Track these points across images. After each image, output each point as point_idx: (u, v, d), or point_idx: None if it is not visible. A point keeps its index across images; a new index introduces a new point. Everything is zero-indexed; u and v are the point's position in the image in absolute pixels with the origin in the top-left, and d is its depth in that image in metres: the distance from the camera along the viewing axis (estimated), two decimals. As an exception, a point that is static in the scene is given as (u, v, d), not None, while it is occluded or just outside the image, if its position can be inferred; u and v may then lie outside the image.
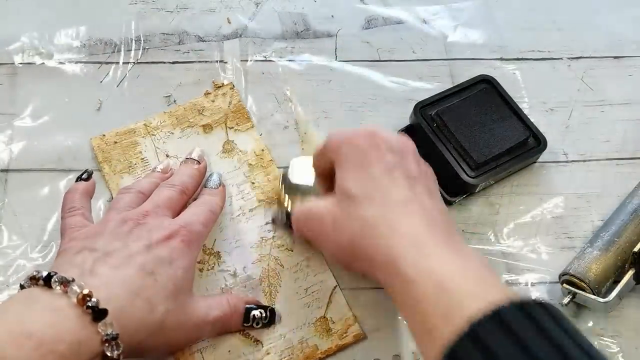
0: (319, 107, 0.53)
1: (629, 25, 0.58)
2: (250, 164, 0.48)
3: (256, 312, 0.41)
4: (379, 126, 0.39)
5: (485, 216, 0.49)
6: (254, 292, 0.44)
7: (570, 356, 0.27)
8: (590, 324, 0.45)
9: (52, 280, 0.32)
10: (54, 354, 0.29)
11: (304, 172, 0.46)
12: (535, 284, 0.46)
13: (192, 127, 0.50)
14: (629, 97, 0.55)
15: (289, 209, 0.44)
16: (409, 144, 0.39)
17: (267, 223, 0.46)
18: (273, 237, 0.46)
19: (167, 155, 0.48)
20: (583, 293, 0.43)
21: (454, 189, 0.48)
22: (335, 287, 0.44)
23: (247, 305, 0.41)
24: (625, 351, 0.44)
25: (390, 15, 0.58)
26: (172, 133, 0.49)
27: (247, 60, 0.54)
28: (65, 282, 0.32)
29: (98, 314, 0.31)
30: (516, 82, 0.55)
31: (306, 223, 0.40)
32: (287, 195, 0.45)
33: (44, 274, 0.33)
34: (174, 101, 0.52)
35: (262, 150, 0.49)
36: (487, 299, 0.28)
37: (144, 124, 0.49)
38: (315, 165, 0.42)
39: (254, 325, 0.41)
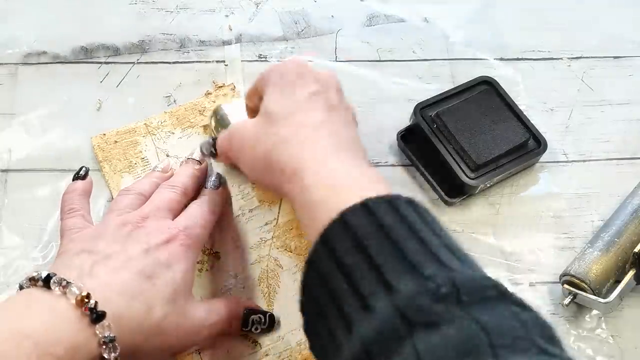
0: (319, 107, 0.52)
1: (629, 25, 0.58)
2: None
3: (255, 317, 0.41)
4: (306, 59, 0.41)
5: (485, 216, 0.49)
6: (252, 293, 0.44)
7: (425, 241, 0.29)
8: (591, 324, 0.45)
9: (52, 281, 0.32)
10: (52, 356, 0.29)
11: (236, 114, 0.47)
12: (536, 284, 0.46)
13: (193, 127, 0.50)
14: (629, 97, 0.55)
15: (215, 137, 0.44)
16: (333, 78, 0.41)
17: (266, 224, 0.46)
18: (272, 238, 0.46)
19: (168, 155, 0.48)
20: (584, 294, 0.43)
21: (453, 190, 0.48)
22: None
23: (246, 310, 0.41)
24: (625, 351, 0.44)
25: (391, 14, 0.58)
26: (173, 133, 0.49)
27: (247, 60, 0.54)
28: (64, 284, 0.32)
29: (96, 316, 0.31)
30: (516, 82, 0.55)
31: (229, 141, 0.41)
32: (216, 129, 0.47)
33: (43, 274, 0.33)
34: (174, 101, 0.52)
35: None
36: (365, 196, 0.31)
37: (145, 124, 0.49)
38: (247, 102, 0.44)
39: (253, 330, 0.41)
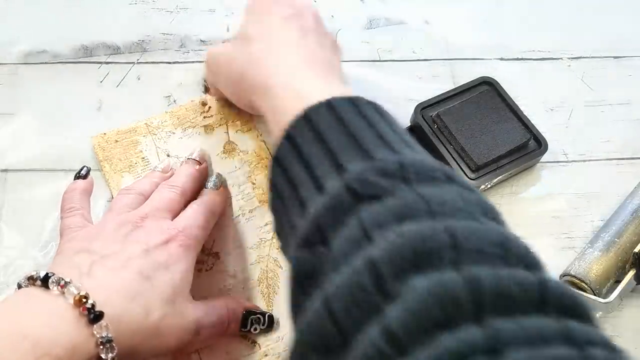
0: (319, 107, 0.52)
1: (629, 25, 0.58)
2: (251, 164, 0.48)
3: (254, 318, 0.41)
4: None
5: (486, 216, 0.49)
6: (252, 293, 0.44)
7: (381, 133, 0.30)
8: (591, 324, 0.45)
9: (50, 280, 0.32)
10: (50, 356, 0.29)
11: None
12: (536, 284, 0.46)
13: (194, 127, 0.50)
14: (629, 97, 0.55)
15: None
16: (309, 4, 0.43)
17: (266, 224, 0.46)
18: (272, 238, 0.46)
19: (168, 155, 0.48)
20: (584, 294, 0.43)
21: (454, 189, 0.48)
22: None
23: (245, 311, 0.41)
24: (625, 351, 0.44)
25: (392, 16, 0.58)
26: (174, 133, 0.49)
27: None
28: (63, 283, 0.32)
29: (94, 316, 0.31)
30: (516, 82, 0.55)
31: (210, 64, 0.45)
32: None
33: (42, 274, 0.33)
34: (174, 101, 0.52)
35: (263, 150, 0.49)
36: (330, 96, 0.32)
37: (145, 124, 0.49)
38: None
39: (252, 330, 0.41)
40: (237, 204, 0.47)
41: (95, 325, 0.31)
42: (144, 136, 0.49)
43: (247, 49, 0.39)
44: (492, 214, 0.26)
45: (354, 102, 0.32)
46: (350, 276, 0.23)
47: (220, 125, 0.50)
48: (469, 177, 0.47)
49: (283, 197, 0.32)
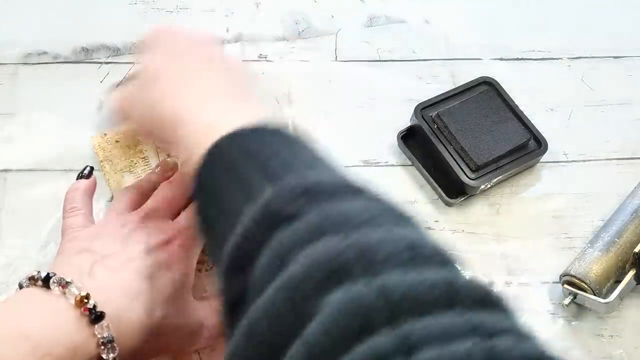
0: (319, 107, 0.52)
1: (629, 25, 0.58)
2: None
3: None
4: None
5: (486, 216, 0.49)
6: None
7: (285, 159, 0.31)
8: (591, 324, 0.45)
9: (51, 280, 0.32)
10: (51, 356, 0.29)
11: None
12: (536, 284, 0.46)
13: None
14: (629, 97, 0.55)
15: None
16: (206, 35, 0.42)
17: None
18: None
19: (169, 155, 0.48)
20: (584, 294, 0.43)
21: (454, 191, 0.48)
22: None
23: None
24: (625, 351, 0.44)
25: (392, 15, 0.58)
26: None
27: (247, 60, 0.54)
28: (64, 283, 0.32)
29: (95, 316, 0.31)
30: (516, 82, 0.55)
31: (118, 111, 0.41)
32: None
33: (43, 274, 0.33)
34: (174, 101, 0.52)
35: None
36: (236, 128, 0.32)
37: None
38: None
39: None
40: None
41: (96, 326, 0.31)
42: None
43: (154, 87, 0.38)
44: (403, 220, 0.27)
45: (259, 131, 0.32)
46: (267, 304, 0.24)
47: None
48: (469, 177, 0.47)
49: (203, 228, 0.32)
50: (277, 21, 0.57)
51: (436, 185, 0.49)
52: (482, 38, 0.57)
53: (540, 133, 0.49)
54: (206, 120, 0.34)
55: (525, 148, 0.49)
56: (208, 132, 0.33)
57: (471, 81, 0.51)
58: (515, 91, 0.54)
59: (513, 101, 0.50)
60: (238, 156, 0.31)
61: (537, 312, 0.45)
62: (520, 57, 0.56)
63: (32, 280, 0.33)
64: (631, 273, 0.44)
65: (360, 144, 0.51)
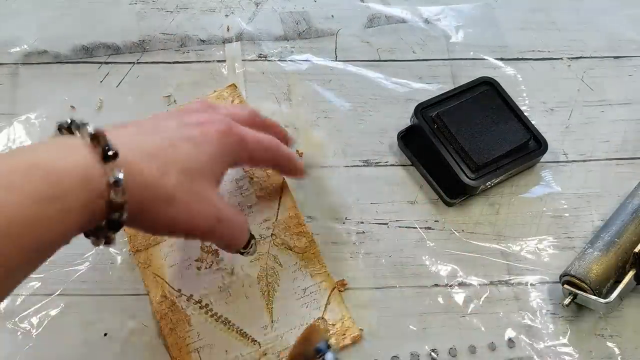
0: (319, 107, 0.52)
1: (629, 25, 0.58)
2: None
3: (253, 241, 0.40)
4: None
5: (486, 216, 0.49)
6: (251, 291, 0.44)
7: None
8: (591, 324, 0.45)
9: (73, 125, 0.31)
10: (60, 187, 0.28)
11: None
12: (536, 284, 0.46)
13: None
14: (629, 97, 0.55)
15: None
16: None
17: (265, 220, 0.46)
18: (272, 235, 0.46)
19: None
20: (584, 294, 0.43)
21: (454, 191, 0.48)
22: (334, 289, 0.44)
23: (251, 233, 0.40)
24: (625, 351, 0.44)
25: (392, 15, 0.58)
26: None
27: (247, 60, 0.54)
28: (81, 125, 0.31)
29: (107, 155, 0.30)
30: (516, 82, 0.55)
31: None
32: None
33: (69, 120, 0.32)
34: (174, 101, 0.52)
35: None
36: None
37: None
38: None
39: (245, 253, 0.40)
40: (235, 199, 0.47)
41: (108, 164, 0.30)
42: None
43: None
44: None
45: None
46: None
47: None
48: (469, 177, 0.47)
49: None
50: (277, 21, 0.57)
51: (436, 186, 0.48)
52: (483, 38, 0.57)
53: (540, 133, 0.49)
54: None
55: (526, 148, 0.49)
56: None
57: (471, 81, 0.51)
58: (515, 91, 0.54)
59: (513, 101, 0.50)
60: None
61: (537, 312, 0.45)
62: (520, 57, 0.56)
63: (60, 129, 0.32)
64: (631, 273, 0.44)
65: (360, 144, 0.51)
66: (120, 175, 0.30)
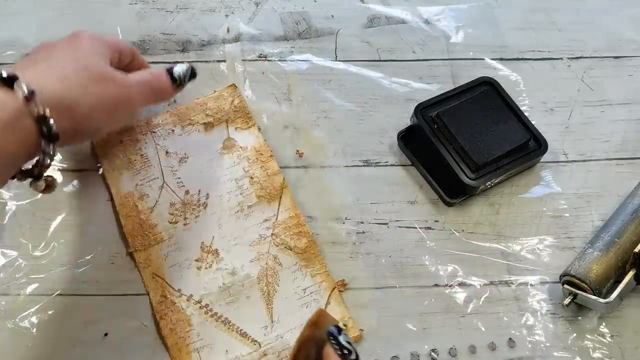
0: (319, 107, 0.52)
1: (629, 25, 0.58)
2: (250, 159, 0.48)
3: (178, 69, 0.44)
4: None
5: (486, 216, 0.49)
6: (251, 292, 0.44)
7: None
8: (591, 324, 0.45)
9: None
10: None
11: None
12: (536, 284, 0.46)
13: (193, 124, 0.50)
14: (629, 97, 0.55)
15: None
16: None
17: (265, 220, 0.46)
18: (272, 235, 0.46)
19: (167, 152, 0.48)
20: (584, 294, 0.43)
21: (454, 190, 0.48)
22: (334, 289, 0.44)
23: (168, 67, 0.44)
24: (625, 351, 0.44)
25: (392, 15, 0.58)
26: (173, 130, 0.49)
27: (247, 60, 0.54)
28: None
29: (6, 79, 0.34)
30: (516, 82, 0.55)
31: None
32: None
33: None
34: (174, 101, 0.52)
35: (262, 145, 0.49)
36: None
37: (146, 122, 0.49)
38: None
39: (183, 81, 0.45)
40: (236, 199, 0.47)
41: (16, 84, 0.34)
42: (143, 134, 0.49)
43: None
44: None
45: None
46: None
47: (219, 123, 0.50)
48: (469, 177, 0.47)
49: None
50: (277, 21, 0.57)
51: (436, 186, 0.48)
52: (483, 38, 0.57)
53: (540, 133, 0.49)
54: None
55: (526, 148, 0.49)
56: None
57: (471, 81, 0.51)
58: (515, 91, 0.54)
59: (513, 101, 0.50)
60: None
61: (537, 312, 0.45)
62: (520, 57, 0.56)
63: None
64: (631, 273, 0.44)
65: (360, 143, 0.51)
66: (27, 89, 0.34)
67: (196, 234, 0.46)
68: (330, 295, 0.44)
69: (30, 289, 0.44)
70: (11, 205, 0.47)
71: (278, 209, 0.47)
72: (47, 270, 0.45)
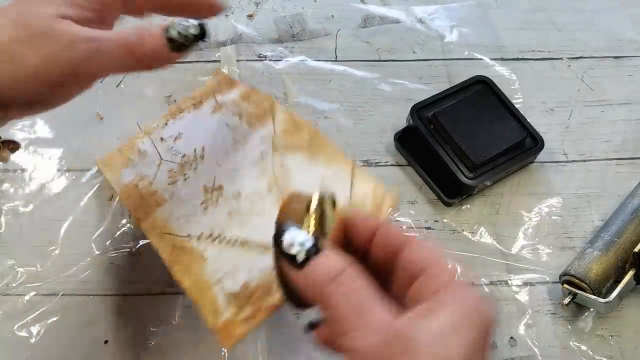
0: (318, 107, 0.52)
1: (629, 25, 0.58)
2: (237, 103, 0.47)
3: (177, 27, 0.34)
4: None
5: (485, 216, 0.49)
6: (262, 204, 0.42)
7: None
8: (591, 324, 0.45)
9: None
10: None
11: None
12: (536, 284, 0.46)
13: (183, 110, 0.49)
14: (629, 97, 0.55)
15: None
16: None
17: (263, 137, 0.44)
18: (273, 145, 0.44)
19: (162, 139, 0.47)
20: (583, 293, 0.43)
21: (452, 190, 0.48)
22: (353, 168, 0.42)
23: (166, 24, 0.34)
24: (625, 351, 0.44)
25: (387, 15, 0.58)
26: (166, 124, 0.48)
27: (247, 60, 0.54)
28: None
29: None
30: (516, 82, 0.55)
31: None
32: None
33: None
34: (174, 101, 0.52)
35: (247, 90, 0.47)
36: None
37: (144, 130, 0.49)
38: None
39: (185, 43, 0.34)
40: (230, 137, 0.45)
41: None
42: (142, 140, 0.48)
43: None
44: None
45: None
46: None
47: (208, 98, 0.48)
48: (466, 177, 0.47)
49: None
50: (277, 21, 0.57)
51: (434, 186, 0.48)
52: (481, 38, 0.57)
53: (536, 130, 0.49)
54: None
55: (522, 146, 0.49)
56: None
57: (465, 80, 0.51)
58: (515, 91, 0.54)
59: (508, 99, 0.50)
60: None
61: (537, 312, 0.45)
62: (519, 57, 0.56)
63: None
64: (631, 273, 0.44)
65: (359, 144, 0.51)
66: None
67: (197, 182, 0.44)
68: (352, 174, 0.42)
69: (30, 289, 0.44)
70: (10, 207, 0.47)
71: (274, 123, 0.45)
72: (47, 271, 0.44)
